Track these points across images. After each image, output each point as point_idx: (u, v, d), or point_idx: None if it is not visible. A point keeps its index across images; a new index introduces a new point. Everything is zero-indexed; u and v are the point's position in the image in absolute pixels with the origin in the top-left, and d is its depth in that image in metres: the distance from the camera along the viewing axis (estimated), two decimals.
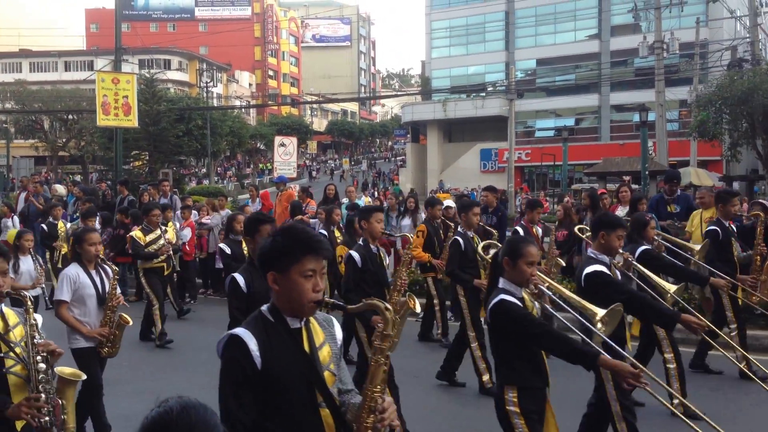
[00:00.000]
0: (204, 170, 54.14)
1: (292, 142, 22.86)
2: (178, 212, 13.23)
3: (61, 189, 17.70)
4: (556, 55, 47.77)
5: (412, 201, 13.46)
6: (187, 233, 12.24)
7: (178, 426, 1.64)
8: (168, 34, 75.92)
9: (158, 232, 9.75)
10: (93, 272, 5.65)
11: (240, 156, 69.33)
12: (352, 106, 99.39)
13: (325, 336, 2.64)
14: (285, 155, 22.14)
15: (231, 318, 4.53)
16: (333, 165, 70.48)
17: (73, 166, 56.98)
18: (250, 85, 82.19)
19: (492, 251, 5.84)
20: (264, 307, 2.59)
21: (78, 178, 50.52)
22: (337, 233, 9.96)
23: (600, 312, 4.10)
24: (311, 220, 12.57)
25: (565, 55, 47.11)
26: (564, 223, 10.72)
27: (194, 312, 11.35)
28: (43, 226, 12.04)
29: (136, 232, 9.89)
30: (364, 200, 14.26)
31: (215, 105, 58.29)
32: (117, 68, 23.77)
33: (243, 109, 64.46)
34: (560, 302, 4.25)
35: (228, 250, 7.19)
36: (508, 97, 39.94)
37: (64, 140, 52.04)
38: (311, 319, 2.63)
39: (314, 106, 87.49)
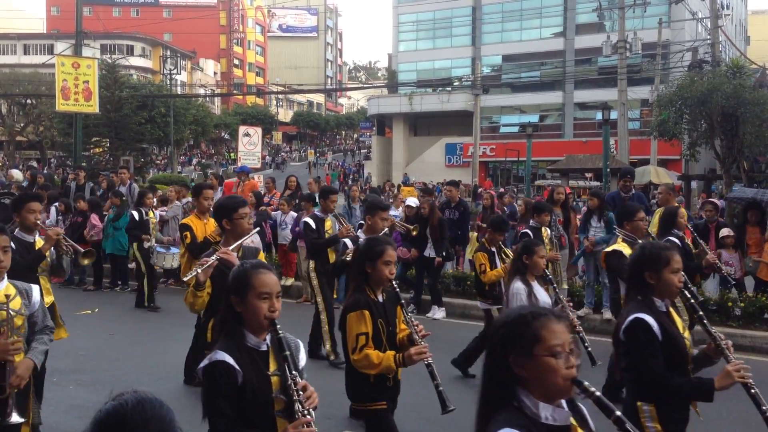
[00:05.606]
0: (161, 159, 53.48)
1: (256, 132, 22.68)
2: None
3: (17, 174, 17.29)
4: (521, 52, 48.21)
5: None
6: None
7: (134, 419, 1.59)
8: (131, 20, 74.55)
9: None
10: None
11: (204, 145, 68.46)
12: (318, 98, 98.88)
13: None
14: (249, 145, 21.96)
15: None
16: (280, 158, 67.40)
17: (31, 152, 55.92)
18: (215, 73, 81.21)
19: None
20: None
21: (34, 163, 49.59)
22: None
23: None
24: (274, 212, 12.50)
25: (531, 52, 47.56)
26: (525, 218, 10.83)
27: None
28: (133, 212, 10.94)
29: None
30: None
31: (179, 93, 57.49)
32: (78, 52, 23.36)
33: (207, 98, 63.67)
34: None
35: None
36: (473, 92, 40.20)
37: (22, 125, 51.01)
38: None
39: (280, 96, 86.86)
